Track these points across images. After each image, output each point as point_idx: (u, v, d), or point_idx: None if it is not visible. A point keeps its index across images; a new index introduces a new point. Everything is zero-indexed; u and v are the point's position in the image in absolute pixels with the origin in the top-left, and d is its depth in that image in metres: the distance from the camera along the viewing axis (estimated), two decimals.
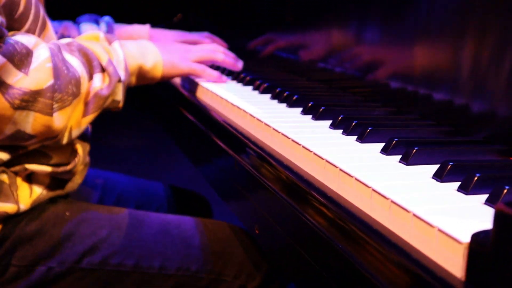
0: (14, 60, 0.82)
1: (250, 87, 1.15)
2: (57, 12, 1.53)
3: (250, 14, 1.51)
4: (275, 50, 1.35)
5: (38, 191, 0.97)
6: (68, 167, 0.98)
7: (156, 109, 1.47)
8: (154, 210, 1.33)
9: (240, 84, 1.19)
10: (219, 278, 0.99)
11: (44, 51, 0.87)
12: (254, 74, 1.20)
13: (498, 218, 0.37)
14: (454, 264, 0.45)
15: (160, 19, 2.00)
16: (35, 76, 0.84)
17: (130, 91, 1.15)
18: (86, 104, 0.93)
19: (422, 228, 0.49)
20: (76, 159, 1.00)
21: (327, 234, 0.59)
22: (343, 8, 1.08)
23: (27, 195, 0.95)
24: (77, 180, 1.06)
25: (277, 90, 1.02)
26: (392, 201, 0.53)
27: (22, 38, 0.85)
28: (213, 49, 1.21)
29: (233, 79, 1.24)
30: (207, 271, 0.99)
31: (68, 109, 0.89)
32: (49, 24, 1.00)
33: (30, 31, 0.93)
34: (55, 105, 0.87)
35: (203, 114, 1.06)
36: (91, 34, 1.03)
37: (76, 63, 0.91)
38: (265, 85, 1.09)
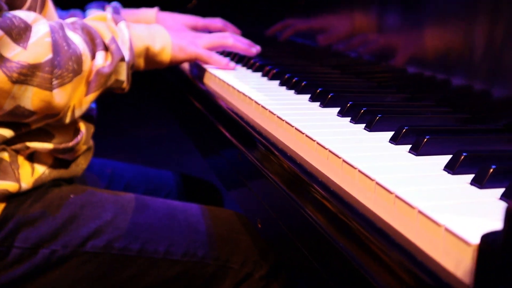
0: (12, 33, 0.82)
1: (259, 74, 1.10)
2: (67, 1, 1.51)
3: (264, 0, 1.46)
4: (291, 35, 1.30)
5: (41, 170, 0.95)
6: (70, 144, 0.96)
7: (165, 95, 1.43)
8: (162, 197, 1.30)
9: (249, 71, 1.14)
10: (226, 265, 0.96)
11: (44, 26, 0.86)
12: (265, 60, 1.15)
13: (509, 217, 0.32)
14: (463, 268, 0.40)
15: (174, 5, 1.96)
16: (34, 50, 0.84)
17: (141, 76, 1.12)
18: (88, 82, 0.91)
19: (428, 227, 0.44)
20: (79, 137, 0.98)
21: (327, 230, 0.54)
22: None
23: (29, 173, 0.93)
24: (81, 165, 1.04)
25: (286, 76, 0.97)
26: (397, 196, 0.48)
27: (20, 13, 0.85)
28: (223, 35, 1.17)
29: (243, 65, 1.20)
30: (214, 258, 0.96)
31: (68, 86, 0.88)
32: (50, 3, 0.98)
33: (31, 8, 0.92)
34: (55, 81, 0.86)
35: (209, 100, 1.01)
36: (98, 15, 1.02)
37: (78, 40, 0.90)
38: (274, 71, 1.04)
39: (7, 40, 0.81)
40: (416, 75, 0.85)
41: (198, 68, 1.19)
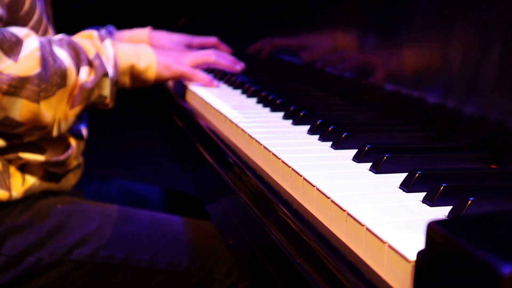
0: (3, 47, 0.85)
1: (239, 91, 1.12)
2: (65, 25, 1.53)
3: (252, 18, 1.49)
4: (272, 51, 1.32)
5: (31, 181, 0.98)
6: (61, 158, 0.99)
7: (151, 111, 1.45)
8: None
9: (230, 88, 1.16)
10: (210, 276, 0.98)
11: (34, 41, 0.89)
12: (246, 78, 1.17)
13: (428, 238, 0.33)
14: (406, 286, 0.42)
15: (164, 23, 1.99)
16: (24, 64, 0.87)
17: (129, 92, 1.14)
18: (72, 96, 0.94)
19: (375, 244, 0.46)
20: (70, 151, 1.00)
21: (286, 247, 0.56)
22: (334, 13, 1.05)
23: (20, 183, 0.96)
24: (70, 180, 1.06)
25: (263, 94, 0.99)
26: (348, 213, 0.50)
27: (12, 28, 0.88)
28: (208, 52, 1.20)
29: (225, 82, 1.22)
30: (198, 268, 0.98)
31: (52, 99, 0.90)
32: (51, 32, 1.03)
33: (34, 29, 0.96)
34: (42, 94, 0.89)
35: (188, 117, 1.03)
36: (85, 33, 1.04)
37: (64, 56, 0.93)
38: (253, 88, 1.06)
39: None
40: (390, 93, 0.87)
41: (180, 85, 1.21)
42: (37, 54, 0.88)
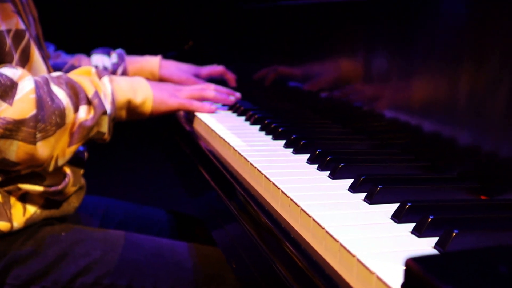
0: None
1: (243, 118, 1.15)
2: (74, 46, 1.59)
3: (257, 43, 1.53)
4: (277, 77, 1.36)
5: (32, 210, 1.00)
6: (59, 187, 1.01)
7: (158, 134, 1.49)
8: (154, 235, 1.35)
9: (234, 115, 1.20)
10: None
11: (29, 83, 0.91)
12: (250, 104, 1.21)
13: (406, 272, 0.37)
14: None
15: (172, 46, 2.04)
16: (19, 106, 0.88)
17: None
18: (71, 134, 0.96)
19: (364, 274, 0.49)
20: (67, 179, 1.03)
21: (286, 276, 0.59)
22: (337, 43, 1.09)
23: (21, 213, 0.99)
24: (73, 203, 1.09)
25: (266, 122, 1.03)
26: (341, 244, 0.53)
27: (7, 71, 0.90)
28: (203, 87, 1.22)
29: (229, 109, 1.25)
30: None
31: (51, 139, 0.92)
32: (36, 55, 1.02)
33: (16, 63, 0.96)
34: (38, 135, 0.90)
35: (193, 142, 1.07)
36: (83, 69, 1.06)
37: (62, 95, 0.95)
38: (256, 116, 1.09)
39: None
40: (391, 121, 0.90)
41: (188, 112, 1.24)
42: (32, 96, 0.90)
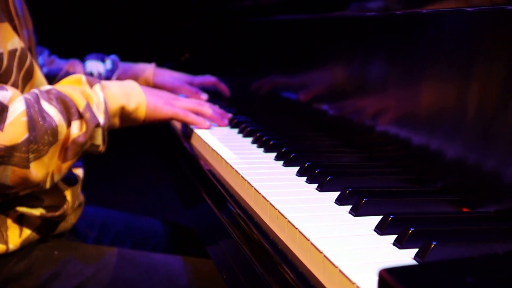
0: None
1: (236, 130, 1.18)
2: (68, 51, 1.61)
3: (252, 55, 1.56)
4: (273, 89, 1.38)
5: (28, 231, 1.00)
6: (57, 213, 1.01)
7: (155, 145, 1.52)
8: (151, 247, 1.36)
9: (227, 127, 1.22)
10: None
11: (20, 104, 0.89)
12: (242, 117, 1.23)
13: (379, 283, 0.39)
14: None
15: (169, 58, 2.06)
16: (10, 131, 0.87)
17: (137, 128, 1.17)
18: (65, 150, 0.95)
19: (346, 284, 0.51)
20: (65, 206, 1.03)
21: (272, 286, 0.61)
22: (331, 55, 1.11)
23: (17, 235, 0.99)
24: (71, 220, 1.09)
25: (258, 135, 1.05)
26: (325, 255, 0.55)
27: None
28: (199, 103, 1.21)
29: None
30: None
31: (45, 158, 0.91)
32: (38, 71, 1.02)
33: (16, 82, 0.96)
34: (31, 156, 0.89)
35: (188, 156, 1.09)
36: (73, 78, 1.04)
37: (53, 112, 0.92)
38: (249, 128, 1.12)
39: None
40: (380, 134, 0.92)
41: (185, 125, 1.26)
42: (24, 119, 0.88)
